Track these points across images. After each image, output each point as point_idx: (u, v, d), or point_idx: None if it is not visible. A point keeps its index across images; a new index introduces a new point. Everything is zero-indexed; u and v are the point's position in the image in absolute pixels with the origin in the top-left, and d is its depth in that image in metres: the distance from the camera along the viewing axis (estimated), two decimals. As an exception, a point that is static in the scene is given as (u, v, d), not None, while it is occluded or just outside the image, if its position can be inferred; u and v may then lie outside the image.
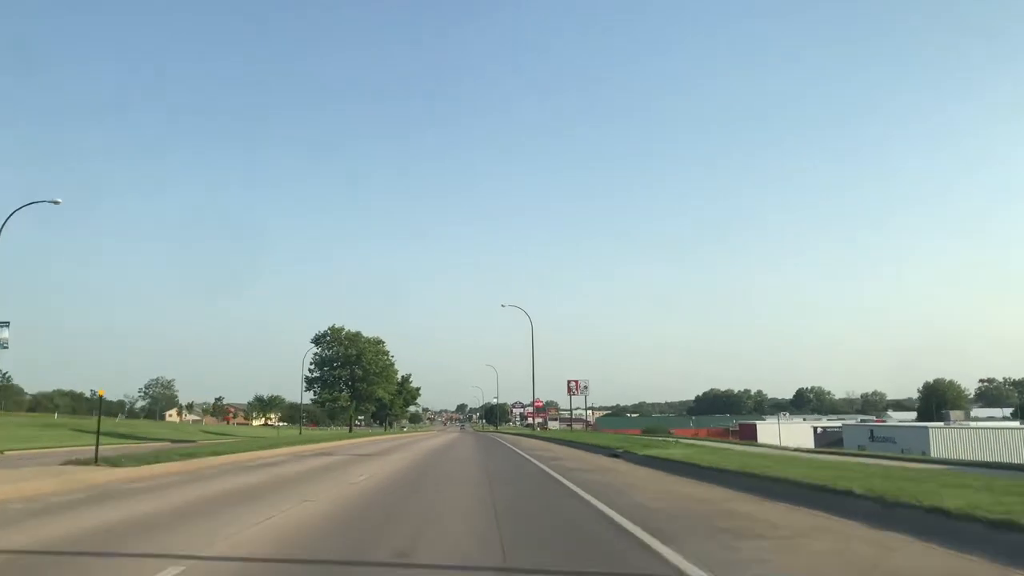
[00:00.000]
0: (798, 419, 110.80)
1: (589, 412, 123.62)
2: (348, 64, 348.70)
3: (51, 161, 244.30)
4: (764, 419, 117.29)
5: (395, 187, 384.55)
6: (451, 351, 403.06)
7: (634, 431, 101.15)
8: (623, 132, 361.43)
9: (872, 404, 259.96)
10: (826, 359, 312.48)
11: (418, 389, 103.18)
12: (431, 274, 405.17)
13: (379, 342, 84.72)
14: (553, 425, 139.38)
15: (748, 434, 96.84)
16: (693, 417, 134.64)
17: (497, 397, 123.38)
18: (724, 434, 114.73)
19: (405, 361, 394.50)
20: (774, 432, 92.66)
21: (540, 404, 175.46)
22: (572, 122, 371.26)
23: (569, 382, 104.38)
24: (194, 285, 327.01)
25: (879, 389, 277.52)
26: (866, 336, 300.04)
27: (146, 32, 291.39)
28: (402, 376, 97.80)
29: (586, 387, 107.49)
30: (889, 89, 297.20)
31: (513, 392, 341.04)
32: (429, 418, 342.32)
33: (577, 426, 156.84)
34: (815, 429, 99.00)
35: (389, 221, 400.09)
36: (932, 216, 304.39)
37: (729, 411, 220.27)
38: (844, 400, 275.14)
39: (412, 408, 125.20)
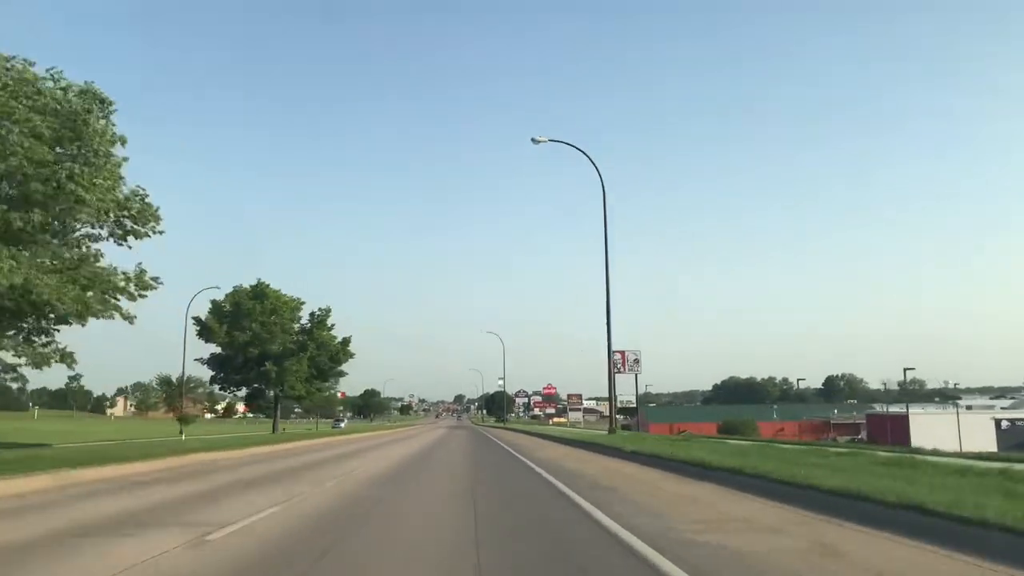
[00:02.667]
0: (955, 406, 76.00)
1: (623, 400, 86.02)
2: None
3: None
4: (886, 407, 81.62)
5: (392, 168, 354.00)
6: (448, 340, 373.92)
7: (701, 427, 70.38)
8: (630, 127, 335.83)
9: (910, 392, 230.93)
10: (844, 347, 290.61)
11: (345, 344, 48.68)
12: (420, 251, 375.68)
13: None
14: (575, 417, 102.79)
15: (896, 431, 60.58)
16: (775, 406, 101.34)
17: (504, 379, 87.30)
18: (824, 428, 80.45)
19: (404, 351, 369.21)
20: (936, 426, 57.84)
21: (552, 391, 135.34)
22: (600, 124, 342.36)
23: (612, 354, 68.93)
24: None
25: (917, 376, 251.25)
26: (888, 324, 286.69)
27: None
28: (313, 313, 47.97)
29: (636, 361, 71.07)
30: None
31: (516, 381, 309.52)
32: (424, 409, 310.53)
33: (590, 418, 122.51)
34: (998, 423, 62.86)
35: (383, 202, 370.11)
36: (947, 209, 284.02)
37: (752, 400, 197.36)
38: (880, 390, 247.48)
39: (342, 374, 56.80)
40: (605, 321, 28.23)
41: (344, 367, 45.37)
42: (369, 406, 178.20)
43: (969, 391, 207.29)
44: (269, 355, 42.60)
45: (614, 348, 78.01)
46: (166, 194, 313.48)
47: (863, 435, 78.68)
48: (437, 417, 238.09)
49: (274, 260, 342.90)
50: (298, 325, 46.76)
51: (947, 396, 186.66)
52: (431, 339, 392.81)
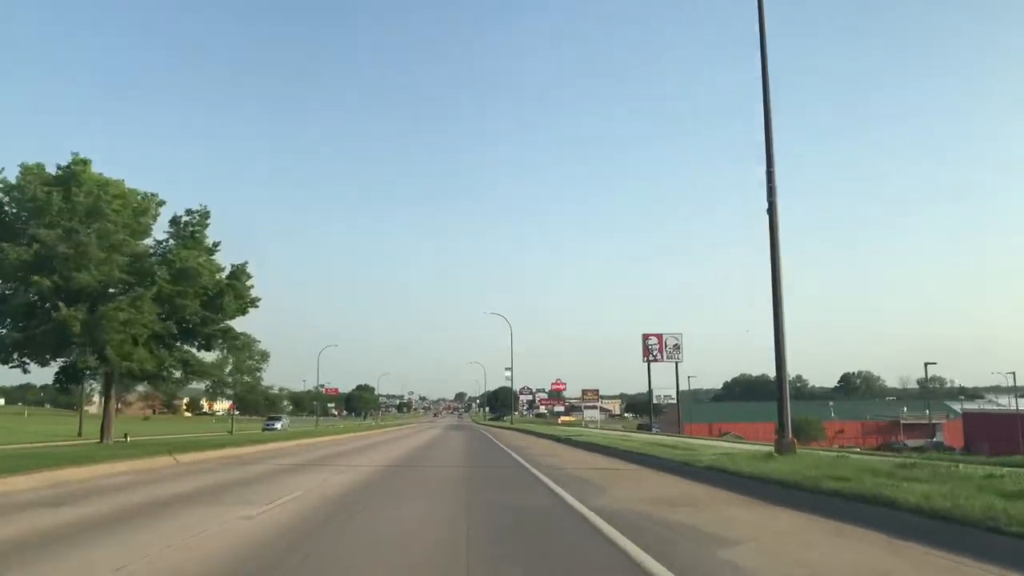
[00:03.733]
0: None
1: (659, 394, 68.81)
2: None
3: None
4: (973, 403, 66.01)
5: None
6: (452, 336, 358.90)
7: (745, 428, 59.94)
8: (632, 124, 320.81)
9: (931, 391, 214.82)
10: (851, 345, 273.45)
11: (237, 278, 24.46)
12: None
13: None
14: (591, 415, 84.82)
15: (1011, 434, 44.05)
16: (831, 402, 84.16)
17: (511, 370, 69.27)
18: (891, 430, 66.19)
19: (406, 347, 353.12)
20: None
21: (561, 387, 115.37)
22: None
23: (646, 338, 53.01)
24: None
25: (938, 374, 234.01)
26: (893, 322, 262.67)
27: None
28: (178, 219, 24.46)
29: (677, 347, 55.05)
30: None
31: (518, 379, 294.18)
32: (425, 407, 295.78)
33: (600, 416, 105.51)
34: None
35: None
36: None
37: (767, 398, 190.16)
38: (899, 389, 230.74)
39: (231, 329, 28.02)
40: (767, 206, 11.02)
41: (237, 323, 24.96)
42: (357, 402, 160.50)
43: (982, 389, 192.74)
44: (78, 291, 21.47)
45: (646, 332, 58.26)
46: (162, 194, 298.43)
47: (939, 438, 62.15)
48: (435, 416, 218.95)
49: (275, 257, 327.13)
50: (151, 241, 25.14)
51: (970, 394, 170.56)
52: (433, 336, 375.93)
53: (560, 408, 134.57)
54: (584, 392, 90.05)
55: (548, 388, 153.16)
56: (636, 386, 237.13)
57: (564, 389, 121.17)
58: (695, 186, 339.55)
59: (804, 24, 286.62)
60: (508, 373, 70.33)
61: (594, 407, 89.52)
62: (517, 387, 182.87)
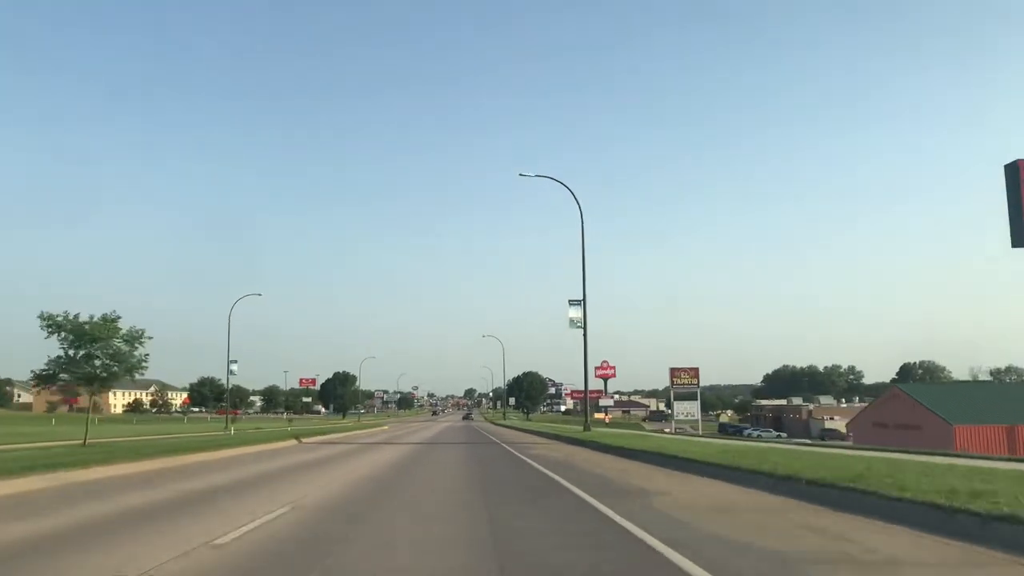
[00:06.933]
0: None
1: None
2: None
3: None
4: None
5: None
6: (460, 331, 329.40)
7: None
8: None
9: (1009, 386, 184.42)
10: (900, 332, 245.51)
11: None
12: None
13: None
14: (685, 410, 50.98)
15: None
16: None
17: (583, 303, 35.15)
18: None
19: (405, 344, 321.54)
20: None
21: (610, 372, 73.97)
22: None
23: None
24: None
25: (1015, 363, 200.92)
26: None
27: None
28: None
29: None
30: None
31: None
32: (432, 403, 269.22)
33: (637, 412, 71.95)
34: None
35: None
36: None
37: (812, 392, 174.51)
38: (969, 381, 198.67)
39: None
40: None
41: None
42: (331, 396, 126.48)
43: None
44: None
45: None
46: (160, 190, 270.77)
47: None
48: (435, 414, 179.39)
49: (274, 254, 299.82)
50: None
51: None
52: (437, 328, 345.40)
53: (608, 402, 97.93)
54: (673, 372, 55.76)
55: (595, 371, 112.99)
56: (638, 383, 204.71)
57: (613, 373, 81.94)
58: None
59: None
60: (575, 313, 35.88)
61: (692, 397, 55.80)
62: (524, 382, 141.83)
